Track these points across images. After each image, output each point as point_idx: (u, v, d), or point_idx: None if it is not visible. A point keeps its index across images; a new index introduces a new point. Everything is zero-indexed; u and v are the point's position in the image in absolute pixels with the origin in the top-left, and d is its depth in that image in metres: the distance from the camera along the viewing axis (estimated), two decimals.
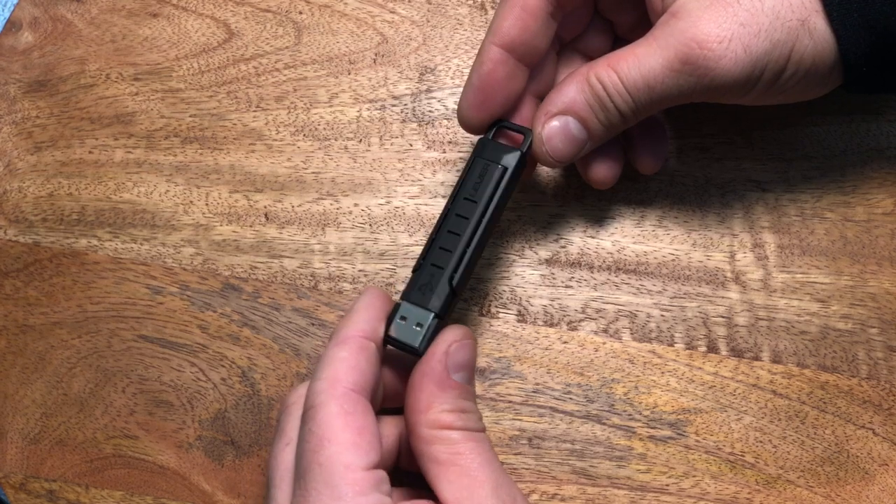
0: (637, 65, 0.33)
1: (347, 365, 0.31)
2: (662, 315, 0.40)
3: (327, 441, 0.29)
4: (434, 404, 0.31)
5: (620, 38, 0.38)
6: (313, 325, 0.40)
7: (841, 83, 0.34)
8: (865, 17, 0.32)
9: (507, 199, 0.36)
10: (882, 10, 0.32)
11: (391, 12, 0.44)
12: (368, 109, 0.42)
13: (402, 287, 0.39)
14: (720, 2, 0.32)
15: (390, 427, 0.35)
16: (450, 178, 0.41)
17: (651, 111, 0.34)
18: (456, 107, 0.42)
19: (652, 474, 0.38)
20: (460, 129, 0.42)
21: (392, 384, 0.35)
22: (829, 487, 0.38)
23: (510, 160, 0.35)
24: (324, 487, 0.28)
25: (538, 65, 0.37)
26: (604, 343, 0.40)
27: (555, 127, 0.35)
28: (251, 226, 0.41)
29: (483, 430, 0.32)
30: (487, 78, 0.35)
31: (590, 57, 0.39)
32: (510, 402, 0.39)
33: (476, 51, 0.43)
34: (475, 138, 0.42)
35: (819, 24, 0.32)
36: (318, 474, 0.29)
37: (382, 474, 0.30)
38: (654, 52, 0.33)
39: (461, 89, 0.42)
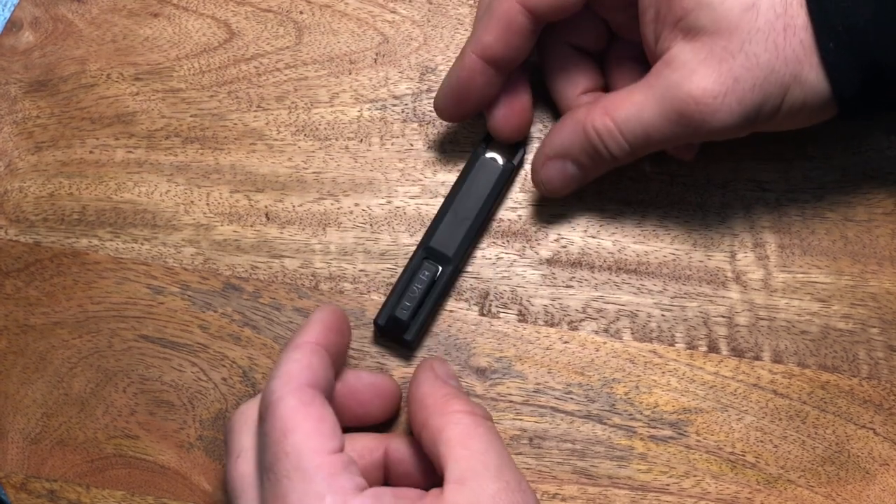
0: (635, 114, 0.34)
1: (301, 365, 0.32)
2: (663, 315, 0.40)
3: (290, 431, 0.30)
4: (443, 398, 0.33)
5: (615, 34, 0.39)
6: None
7: (835, 115, 0.35)
8: (860, 57, 0.32)
9: (496, 211, 0.41)
10: (876, 49, 0.32)
11: (392, 12, 0.44)
12: (369, 109, 0.43)
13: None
14: (715, 56, 0.32)
15: (375, 442, 0.36)
16: (450, 177, 0.41)
17: (646, 153, 0.36)
18: None
19: (653, 474, 0.38)
20: (461, 129, 0.42)
21: (353, 407, 0.36)
22: (830, 487, 0.38)
23: (503, 174, 0.40)
24: (294, 473, 0.29)
25: None
26: (604, 343, 0.40)
27: (553, 168, 0.37)
28: (252, 226, 0.41)
29: (490, 418, 0.33)
30: (465, 84, 0.37)
31: (582, 50, 0.39)
32: (511, 401, 0.39)
33: None
34: (477, 138, 0.42)
35: (812, 75, 0.32)
36: (286, 462, 0.29)
37: (350, 457, 0.30)
38: (651, 103, 0.34)
39: None
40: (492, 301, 0.40)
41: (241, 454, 0.32)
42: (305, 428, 0.30)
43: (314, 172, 0.42)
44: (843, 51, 0.32)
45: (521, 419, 0.39)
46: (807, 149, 0.41)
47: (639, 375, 0.39)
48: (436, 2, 0.44)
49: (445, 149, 0.42)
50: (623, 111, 0.34)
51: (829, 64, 0.32)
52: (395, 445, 0.35)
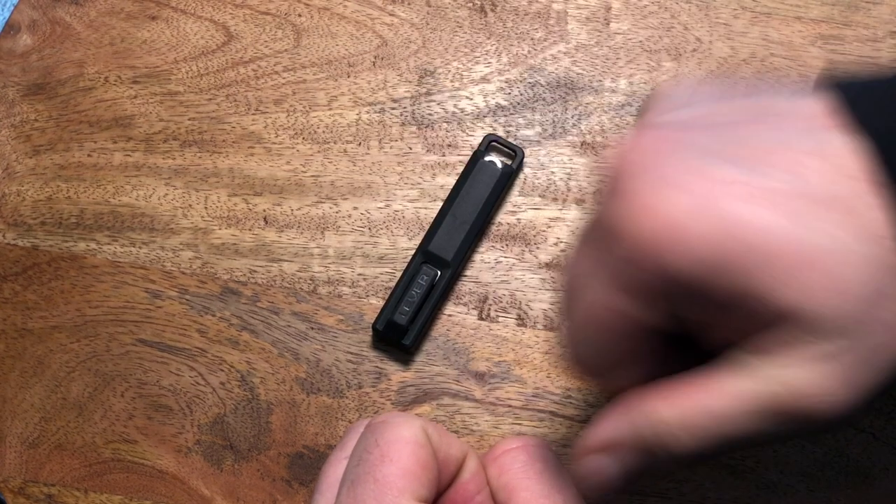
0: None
1: (426, 422, 0.30)
2: None
3: (389, 460, 0.29)
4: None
5: None
6: (312, 328, 0.40)
7: None
8: None
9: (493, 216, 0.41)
10: None
11: (390, 15, 0.43)
12: (368, 112, 0.42)
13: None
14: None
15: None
16: (449, 181, 0.41)
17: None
18: (454, 109, 0.42)
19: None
20: (459, 132, 0.42)
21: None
22: (830, 492, 0.38)
23: (502, 178, 0.40)
24: (373, 503, 0.28)
25: None
26: None
27: (594, 464, 0.30)
28: (250, 229, 0.41)
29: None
30: None
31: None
32: (510, 406, 0.39)
33: (475, 54, 0.43)
34: (475, 142, 0.42)
35: None
36: (371, 488, 0.28)
37: None
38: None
39: (460, 92, 0.42)
40: (490, 305, 0.40)
41: (348, 458, 0.31)
42: (405, 465, 0.28)
43: (312, 176, 0.42)
44: None
45: (519, 423, 0.39)
46: None
47: None
48: (434, 4, 0.44)
49: (444, 152, 0.42)
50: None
51: None
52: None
